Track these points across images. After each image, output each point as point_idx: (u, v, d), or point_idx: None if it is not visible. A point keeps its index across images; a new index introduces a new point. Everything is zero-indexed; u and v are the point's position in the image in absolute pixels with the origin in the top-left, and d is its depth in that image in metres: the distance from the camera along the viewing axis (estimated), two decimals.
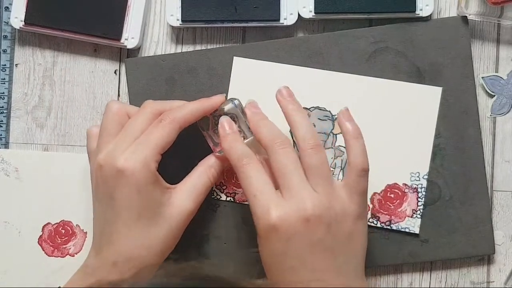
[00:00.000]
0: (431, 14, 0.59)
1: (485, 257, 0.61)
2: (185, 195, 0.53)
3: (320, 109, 0.59)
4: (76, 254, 0.61)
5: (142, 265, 0.49)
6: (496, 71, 0.61)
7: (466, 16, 0.59)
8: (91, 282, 0.49)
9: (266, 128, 0.52)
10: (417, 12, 0.59)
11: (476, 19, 0.60)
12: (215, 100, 0.55)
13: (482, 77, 0.61)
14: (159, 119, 0.52)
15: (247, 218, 0.60)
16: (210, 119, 0.56)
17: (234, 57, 0.60)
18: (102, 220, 0.52)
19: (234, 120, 0.54)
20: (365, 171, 0.50)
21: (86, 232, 0.61)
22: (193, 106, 0.54)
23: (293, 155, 0.50)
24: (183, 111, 0.53)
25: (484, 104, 0.61)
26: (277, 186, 0.50)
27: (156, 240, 0.51)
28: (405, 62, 0.59)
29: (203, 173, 0.55)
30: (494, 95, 0.61)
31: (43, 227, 0.61)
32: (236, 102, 0.55)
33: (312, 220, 0.47)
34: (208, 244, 0.60)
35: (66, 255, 0.61)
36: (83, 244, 0.61)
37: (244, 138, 0.54)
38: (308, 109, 0.59)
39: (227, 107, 0.55)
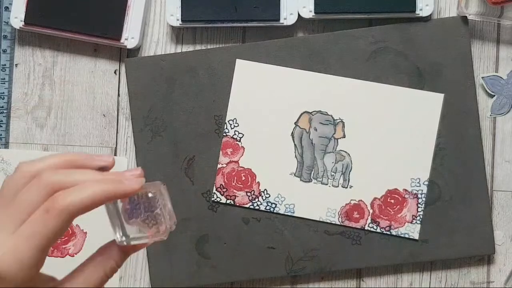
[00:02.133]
0: (431, 14, 0.59)
1: (485, 257, 0.61)
2: (26, 240, 0.40)
3: (322, 113, 0.59)
4: (76, 254, 0.61)
5: None
6: (496, 71, 0.61)
7: (466, 16, 0.59)
8: None
9: None
10: (417, 12, 0.59)
11: (476, 19, 0.60)
12: (131, 186, 0.41)
13: (482, 77, 0.60)
14: (45, 206, 0.39)
15: (247, 218, 0.60)
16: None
17: (237, 60, 0.60)
18: None
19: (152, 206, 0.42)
20: None
21: (86, 232, 0.61)
22: (97, 189, 0.39)
23: None
24: (81, 195, 0.39)
25: (484, 104, 0.61)
26: None
27: None
28: (405, 62, 0.59)
29: (99, 267, 0.43)
30: (494, 95, 0.61)
31: None
32: (162, 188, 0.43)
33: None
34: (208, 244, 0.60)
35: (66, 255, 0.61)
36: (83, 244, 0.61)
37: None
38: (310, 113, 0.59)
39: (152, 193, 0.42)
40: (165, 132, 0.60)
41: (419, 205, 0.59)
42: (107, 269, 0.43)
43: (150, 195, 0.42)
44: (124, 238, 0.42)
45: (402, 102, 0.59)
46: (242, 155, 0.60)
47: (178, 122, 0.60)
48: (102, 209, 0.57)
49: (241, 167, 0.60)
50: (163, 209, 0.42)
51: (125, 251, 0.44)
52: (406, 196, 0.59)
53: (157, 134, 0.60)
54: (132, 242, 0.42)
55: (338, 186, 0.59)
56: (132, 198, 0.41)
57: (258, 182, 0.60)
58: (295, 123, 0.59)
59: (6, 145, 0.62)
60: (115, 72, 0.62)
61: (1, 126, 0.62)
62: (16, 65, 0.62)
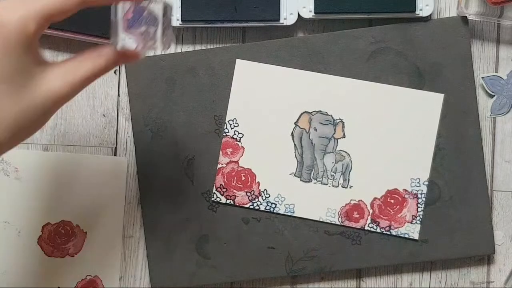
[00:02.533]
0: (431, 14, 0.59)
1: (485, 257, 0.61)
2: (61, 75, 0.44)
3: (322, 113, 0.59)
4: (76, 254, 0.61)
5: None
6: (496, 71, 0.61)
7: (466, 16, 0.59)
8: None
9: None
10: (417, 12, 0.59)
11: (476, 19, 0.60)
12: None
13: (482, 77, 0.61)
14: None
15: (247, 218, 0.60)
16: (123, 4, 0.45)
17: (237, 60, 0.60)
18: None
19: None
20: None
21: (86, 232, 0.61)
22: None
23: None
24: None
25: (484, 104, 0.61)
26: None
27: (9, 112, 0.42)
28: (405, 62, 0.59)
29: (89, 59, 0.45)
30: (494, 95, 0.61)
31: (43, 227, 0.61)
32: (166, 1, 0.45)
33: None
34: (208, 244, 0.60)
35: (66, 255, 0.61)
36: (82, 244, 0.61)
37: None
38: (310, 113, 0.59)
39: (156, 9, 0.45)
40: (165, 132, 0.60)
41: (419, 205, 0.59)
42: (96, 63, 0.45)
43: (154, 10, 0.44)
44: (116, 40, 0.44)
45: (402, 102, 0.59)
46: (242, 155, 0.60)
47: (178, 122, 0.60)
48: (102, 209, 0.58)
49: (241, 167, 0.60)
50: (162, 27, 0.44)
51: (117, 57, 0.46)
52: (406, 196, 0.59)
53: (157, 134, 0.60)
54: (121, 44, 0.44)
55: (338, 186, 0.59)
56: (137, 9, 0.44)
57: (258, 182, 0.60)
58: (295, 123, 0.59)
59: None
60: (115, 72, 0.62)
61: None
62: None
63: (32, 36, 0.42)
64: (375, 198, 0.59)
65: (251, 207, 0.60)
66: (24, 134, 0.44)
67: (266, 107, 0.60)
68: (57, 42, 0.62)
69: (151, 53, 0.62)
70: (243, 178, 0.60)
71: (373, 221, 0.59)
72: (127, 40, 0.45)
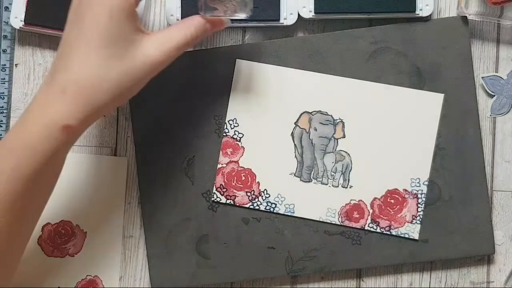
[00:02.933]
0: (431, 14, 0.59)
1: (485, 257, 0.61)
2: (157, 43, 0.48)
3: (322, 113, 0.59)
4: (76, 254, 0.61)
5: (92, 101, 0.46)
6: (496, 71, 0.61)
7: (466, 16, 0.59)
8: (35, 111, 0.46)
9: None
10: (417, 12, 0.59)
11: (476, 19, 0.60)
12: None
13: (482, 77, 0.61)
14: None
15: (247, 218, 0.60)
16: None
17: (237, 60, 0.60)
18: (65, 43, 0.48)
19: None
20: None
21: (86, 232, 0.61)
22: None
23: None
24: None
25: (484, 104, 0.61)
26: None
27: (112, 76, 0.47)
28: (405, 62, 0.59)
29: (181, 29, 0.50)
30: (494, 95, 0.61)
31: (43, 227, 0.61)
32: None
33: None
34: (208, 244, 0.60)
35: (66, 255, 0.61)
36: (82, 244, 0.61)
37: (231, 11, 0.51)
38: (310, 113, 0.59)
39: None
40: (165, 132, 0.60)
41: (419, 205, 0.59)
42: (188, 33, 0.50)
43: None
44: (204, 9, 0.50)
45: (402, 102, 0.59)
46: (242, 155, 0.60)
47: (178, 122, 0.60)
48: (102, 209, 0.58)
49: (241, 167, 0.60)
50: None
51: (205, 26, 0.51)
52: (406, 196, 0.59)
53: (157, 134, 0.60)
54: (209, 13, 0.50)
55: (338, 186, 0.59)
56: None
57: (258, 182, 0.60)
58: (295, 123, 0.59)
59: None
60: None
61: (1, 126, 0.62)
62: (16, 65, 0.62)
63: (134, 4, 0.47)
64: (375, 198, 0.59)
65: (251, 207, 0.60)
66: (122, 98, 0.48)
67: (266, 107, 0.60)
68: (57, 42, 0.62)
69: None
70: (243, 178, 0.60)
71: (373, 221, 0.59)
72: (213, 10, 0.50)
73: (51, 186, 0.49)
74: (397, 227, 0.59)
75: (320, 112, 0.59)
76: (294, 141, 0.59)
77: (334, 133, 0.59)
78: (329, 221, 0.59)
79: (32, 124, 0.46)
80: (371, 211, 0.59)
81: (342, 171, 0.59)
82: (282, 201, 0.59)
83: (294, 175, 0.59)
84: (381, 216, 0.59)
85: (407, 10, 0.58)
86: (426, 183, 0.59)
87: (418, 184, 0.59)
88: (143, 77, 0.49)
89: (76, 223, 0.61)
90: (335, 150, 0.59)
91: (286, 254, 0.60)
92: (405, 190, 0.59)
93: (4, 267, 0.49)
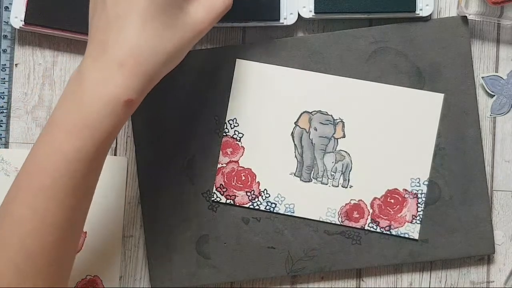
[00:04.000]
0: (431, 14, 0.59)
1: (485, 257, 0.61)
2: (202, 9, 0.49)
3: (322, 113, 0.59)
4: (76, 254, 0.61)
5: (149, 72, 0.46)
6: (496, 71, 0.61)
7: (466, 16, 0.59)
8: (93, 89, 0.45)
9: None
10: (417, 12, 0.59)
11: (476, 19, 0.60)
12: None
13: (482, 77, 0.61)
14: None
15: (247, 218, 0.60)
16: None
17: (237, 60, 0.60)
18: (112, 16, 0.46)
19: None
20: None
21: (86, 232, 0.61)
22: None
23: None
24: None
25: (484, 104, 0.61)
26: None
27: (167, 45, 0.47)
28: (405, 62, 0.59)
29: None
30: (494, 95, 0.61)
31: None
32: None
33: None
34: (208, 244, 0.60)
35: None
36: (82, 244, 0.61)
37: None
38: (310, 113, 0.59)
39: None
40: (165, 132, 0.60)
41: (419, 205, 0.59)
42: (226, 2, 0.51)
43: None
44: None
45: (402, 102, 0.59)
46: (242, 155, 0.60)
47: (178, 122, 0.60)
48: (102, 209, 0.58)
49: (241, 167, 0.60)
50: None
51: None
52: (406, 196, 0.59)
53: (157, 134, 0.60)
54: None
55: (338, 186, 0.59)
56: None
57: (258, 182, 0.60)
58: (295, 123, 0.59)
59: (6, 145, 0.62)
60: None
61: (1, 126, 0.62)
62: (16, 65, 0.62)
63: None
64: (375, 198, 0.59)
65: (251, 207, 0.60)
66: (173, 65, 0.49)
67: (266, 107, 0.60)
68: (57, 42, 0.62)
69: None
70: (243, 178, 0.60)
71: (373, 221, 0.59)
72: None
73: (103, 163, 0.49)
74: (397, 227, 0.59)
75: (320, 112, 0.59)
76: (294, 141, 0.59)
77: (334, 133, 0.59)
78: (329, 221, 0.59)
79: (92, 103, 0.45)
80: (371, 211, 0.59)
81: (342, 171, 0.59)
82: (282, 201, 0.59)
83: (294, 175, 0.59)
84: (381, 216, 0.59)
85: (407, 10, 0.58)
86: (426, 183, 0.59)
87: (418, 184, 0.59)
88: (192, 44, 0.49)
89: None
90: (335, 150, 0.59)
91: (286, 254, 0.60)
92: (405, 190, 0.59)
93: (66, 263, 0.49)
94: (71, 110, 0.46)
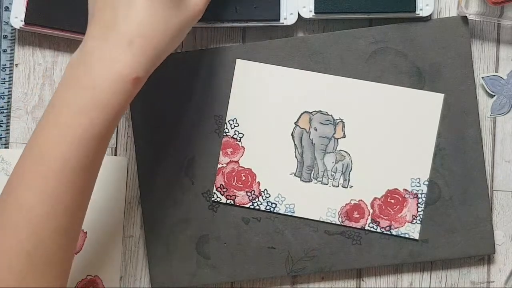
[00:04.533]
0: (431, 14, 0.59)
1: (485, 257, 0.61)
2: None
3: (322, 113, 0.59)
4: (76, 254, 0.61)
5: (156, 50, 0.47)
6: (496, 71, 0.61)
7: (466, 16, 0.59)
8: (102, 68, 0.46)
9: None
10: (417, 12, 0.59)
11: (476, 19, 0.60)
12: None
13: (482, 77, 0.61)
14: None
15: (247, 218, 0.60)
16: None
17: (237, 60, 0.60)
18: None
19: None
20: None
21: (86, 232, 0.61)
22: None
23: None
24: None
25: (484, 104, 0.61)
26: None
27: (173, 25, 0.48)
28: (405, 62, 0.59)
29: None
30: (494, 95, 0.61)
31: None
32: None
33: None
34: (208, 244, 0.60)
35: None
36: (82, 244, 0.61)
37: None
38: (310, 113, 0.59)
39: None
40: (165, 132, 0.60)
41: (419, 205, 0.59)
42: None
43: None
44: None
45: (402, 102, 0.59)
46: (242, 155, 0.60)
47: (178, 122, 0.60)
48: (102, 209, 0.58)
49: (241, 167, 0.60)
50: None
51: None
52: (406, 196, 0.59)
53: (157, 134, 0.60)
54: None
55: (338, 186, 0.59)
56: None
57: (258, 182, 0.60)
58: (295, 123, 0.59)
59: (6, 145, 0.62)
60: None
61: (1, 126, 0.62)
62: (16, 65, 0.62)
63: None
64: (375, 198, 0.59)
65: (251, 207, 0.60)
66: (176, 46, 0.50)
67: (266, 107, 0.60)
68: (57, 42, 0.62)
69: None
70: (243, 178, 0.60)
71: (373, 221, 0.59)
72: None
73: (109, 142, 0.49)
74: (397, 227, 0.59)
75: (320, 112, 0.59)
76: (294, 141, 0.59)
77: (334, 133, 0.59)
78: (329, 221, 0.59)
79: (101, 81, 0.45)
80: (371, 211, 0.59)
81: (342, 171, 0.59)
82: (282, 201, 0.59)
83: (294, 175, 0.59)
84: (381, 216, 0.59)
85: (407, 10, 0.58)
86: (426, 183, 0.59)
87: (418, 184, 0.59)
88: (192, 24, 0.51)
89: None
90: (335, 150, 0.59)
91: (286, 254, 0.60)
92: (405, 190, 0.59)
93: (72, 250, 0.48)
94: (79, 91, 0.46)
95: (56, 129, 0.45)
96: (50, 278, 0.45)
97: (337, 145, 0.59)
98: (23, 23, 0.60)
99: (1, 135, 0.62)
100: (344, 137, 0.59)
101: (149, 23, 0.46)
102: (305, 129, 0.59)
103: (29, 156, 0.46)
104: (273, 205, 0.59)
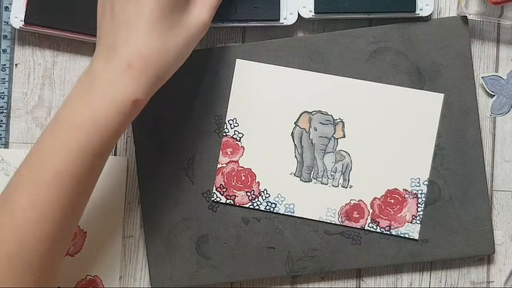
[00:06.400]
0: (431, 14, 0.59)
1: (485, 257, 0.61)
2: (202, 6, 0.52)
3: (322, 113, 0.59)
4: (75, 254, 0.61)
5: (156, 72, 0.48)
6: (496, 71, 0.61)
7: (466, 16, 0.59)
8: (103, 89, 0.47)
9: None
10: (417, 12, 0.59)
11: (476, 19, 0.60)
12: None
13: (482, 77, 0.61)
14: None
15: (247, 218, 0.60)
16: None
17: (237, 60, 0.60)
18: (122, 18, 0.48)
19: None
20: None
21: (86, 232, 0.61)
22: None
23: None
24: None
25: (484, 104, 0.61)
26: None
27: (173, 46, 0.49)
28: (405, 62, 0.59)
29: None
30: (494, 95, 0.61)
31: None
32: None
33: None
34: (208, 244, 0.60)
35: (66, 255, 0.61)
36: (82, 244, 0.61)
37: None
38: (310, 112, 0.59)
39: None
40: (165, 132, 0.60)
41: (419, 205, 0.59)
42: None
43: None
44: None
45: (402, 102, 0.59)
46: (242, 155, 0.60)
47: (178, 122, 0.60)
48: (102, 209, 0.58)
49: (241, 167, 0.60)
50: None
51: None
52: (406, 196, 0.59)
53: (157, 134, 0.60)
54: None
55: (338, 186, 0.59)
56: None
57: (258, 182, 0.60)
58: (295, 123, 0.59)
59: (6, 145, 0.62)
60: None
61: (1, 126, 0.62)
62: (16, 65, 0.62)
63: None
64: (375, 198, 0.59)
65: (251, 207, 0.60)
66: (179, 64, 0.51)
67: (266, 107, 0.60)
68: (57, 42, 0.62)
69: None
70: (243, 178, 0.60)
71: (373, 221, 0.59)
72: None
73: (105, 162, 0.51)
74: (397, 227, 0.59)
75: (320, 112, 0.59)
76: (294, 141, 0.59)
77: (334, 133, 0.59)
78: (329, 221, 0.59)
79: (101, 101, 0.47)
80: (371, 211, 0.59)
81: (342, 171, 0.59)
82: (282, 201, 0.59)
83: (294, 175, 0.59)
84: (381, 216, 0.59)
85: (407, 10, 0.58)
86: (426, 183, 0.59)
87: (418, 184, 0.59)
88: (197, 41, 0.51)
89: None
90: (335, 150, 0.59)
91: (286, 254, 0.60)
92: (405, 190, 0.59)
93: (57, 258, 0.49)
94: (80, 107, 0.47)
95: (54, 140, 0.47)
96: (30, 283, 0.47)
97: (337, 145, 0.59)
98: (23, 23, 0.60)
99: (0, 135, 0.62)
100: (344, 137, 0.59)
101: (149, 47, 0.47)
102: (305, 129, 0.59)
103: (28, 162, 0.48)
104: (273, 205, 0.59)
